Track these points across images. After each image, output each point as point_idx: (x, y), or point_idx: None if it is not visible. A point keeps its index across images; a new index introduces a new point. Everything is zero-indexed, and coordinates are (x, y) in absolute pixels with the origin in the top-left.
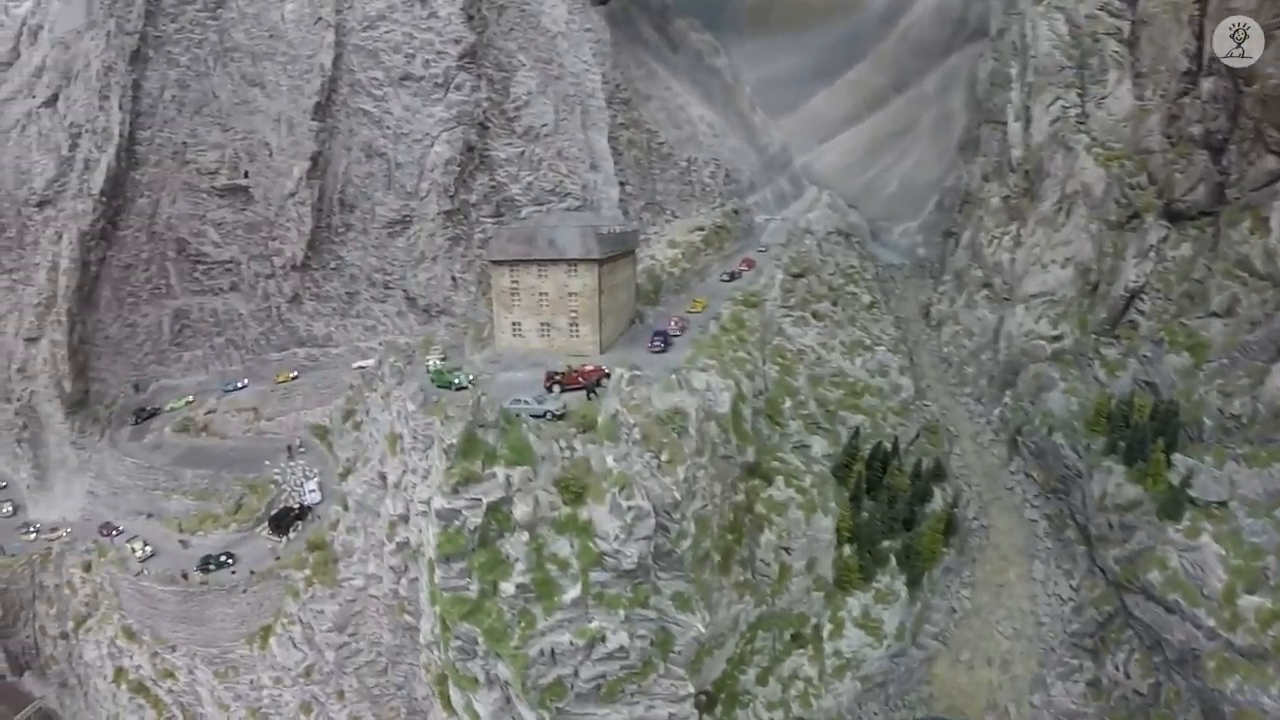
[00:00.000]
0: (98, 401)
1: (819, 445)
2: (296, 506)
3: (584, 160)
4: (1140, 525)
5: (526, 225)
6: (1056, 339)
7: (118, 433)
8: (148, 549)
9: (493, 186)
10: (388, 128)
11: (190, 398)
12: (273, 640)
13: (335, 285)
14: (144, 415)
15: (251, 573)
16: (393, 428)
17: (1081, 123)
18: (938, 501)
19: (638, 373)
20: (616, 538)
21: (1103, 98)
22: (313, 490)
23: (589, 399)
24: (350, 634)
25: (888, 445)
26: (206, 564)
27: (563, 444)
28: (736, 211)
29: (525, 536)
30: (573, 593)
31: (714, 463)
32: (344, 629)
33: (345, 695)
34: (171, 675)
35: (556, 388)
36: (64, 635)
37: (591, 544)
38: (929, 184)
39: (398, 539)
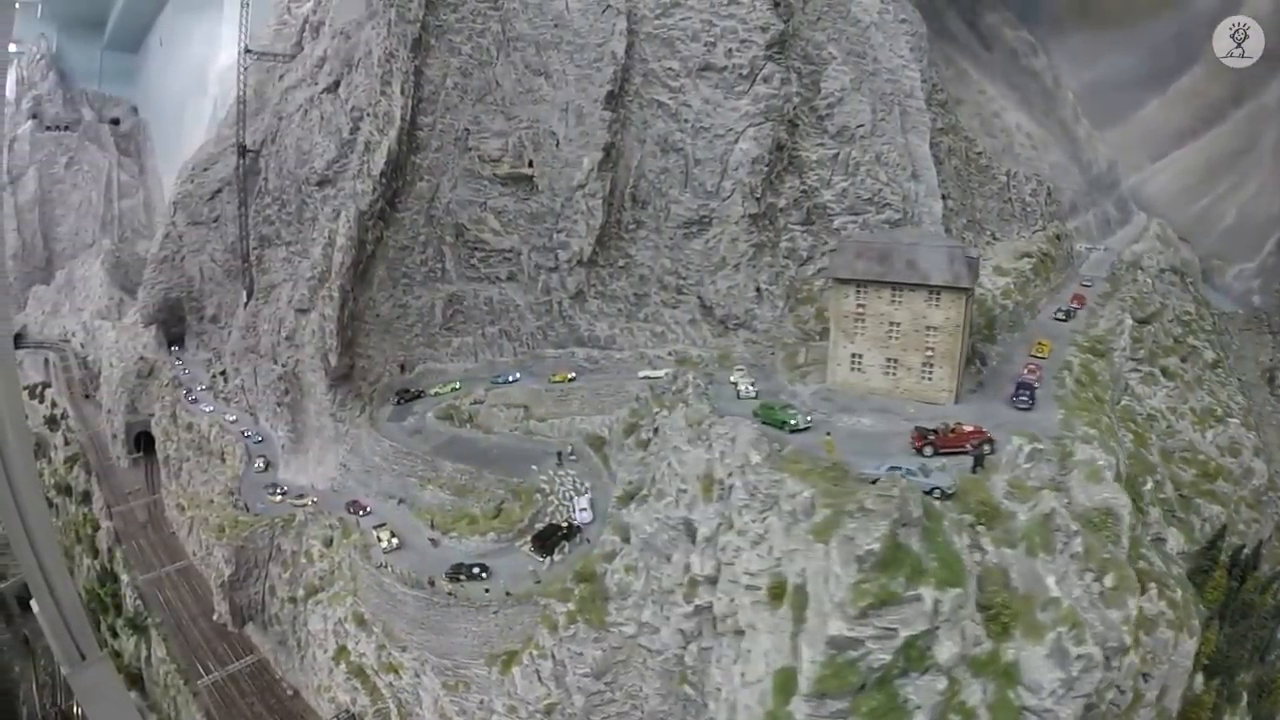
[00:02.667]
0: (361, 377)
1: (1174, 540)
2: (565, 525)
3: (905, 167)
4: None
5: (878, 240)
6: None
7: (378, 411)
8: (394, 541)
9: (803, 191)
10: (685, 121)
11: (457, 384)
12: (516, 670)
13: (622, 285)
14: (408, 396)
15: (508, 594)
16: (710, 469)
17: None
18: None
19: (1039, 446)
20: (1052, 692)
21: None
22: (584, 509)
23: (974, 472)
24: (608, 682)
25: (1248, 549)
26: (458, 573)
27: (965, 541)
28: (1059, 237)
29: (943, 683)
30: None
31: None
32: (602, 676)
33: None
34: (395, 671)
35: (929, 449)
36: (292, 599)
37: (1012, 694)
38: (1271, 218)
39: (697, 601)
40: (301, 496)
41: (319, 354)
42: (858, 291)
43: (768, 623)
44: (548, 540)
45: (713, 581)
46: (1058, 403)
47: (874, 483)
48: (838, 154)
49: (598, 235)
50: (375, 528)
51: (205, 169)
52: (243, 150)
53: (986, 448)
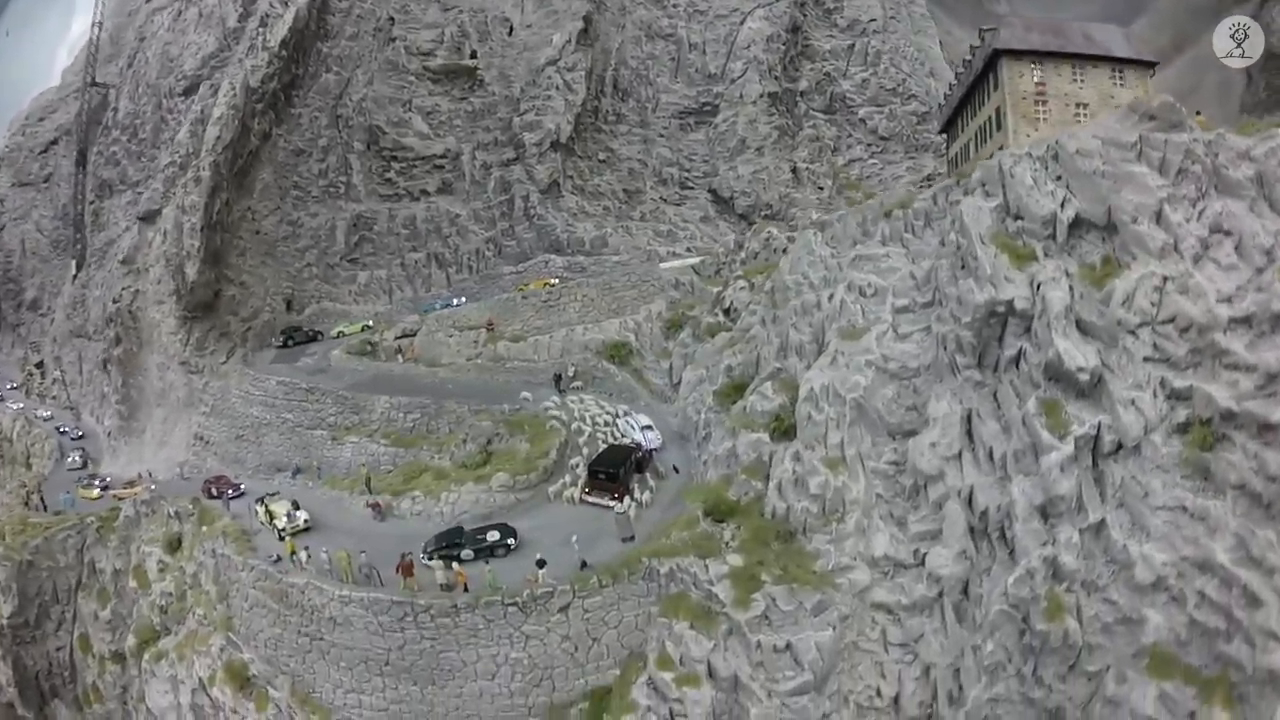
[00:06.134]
0: (230, 310)
1: None
2: (636, 447)
3: (923, 64)
4: None
5: (1042, 17)
6: None
7: (254, 355)
8: (300, 516)
9: (825, 74)
10: (674, 5)
11: (369, 323)
12: None
13: (608, 180)
14: (298, 338)
15: (584, 564)
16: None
17: None
18: None
19: None
20: None
21: None
22: (647, 426)
23: None
24: (831, 693)
25: None
26: (450, 545)
27: None
28: None
29: None
30: None
31: None
32: (826, 679)
33: None
34: None
35: None
36: (117, 657)
37: None
38: None
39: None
40: (131, 484)
41: (171, 269)
42: (1035, 66)
43: None
44: (617, 470)
45: None
46: None
47: None
48: (853, 45)
49: (576, 116)
50: (259, 501)
51: (41, 119)
52: (93, 84)
53: None
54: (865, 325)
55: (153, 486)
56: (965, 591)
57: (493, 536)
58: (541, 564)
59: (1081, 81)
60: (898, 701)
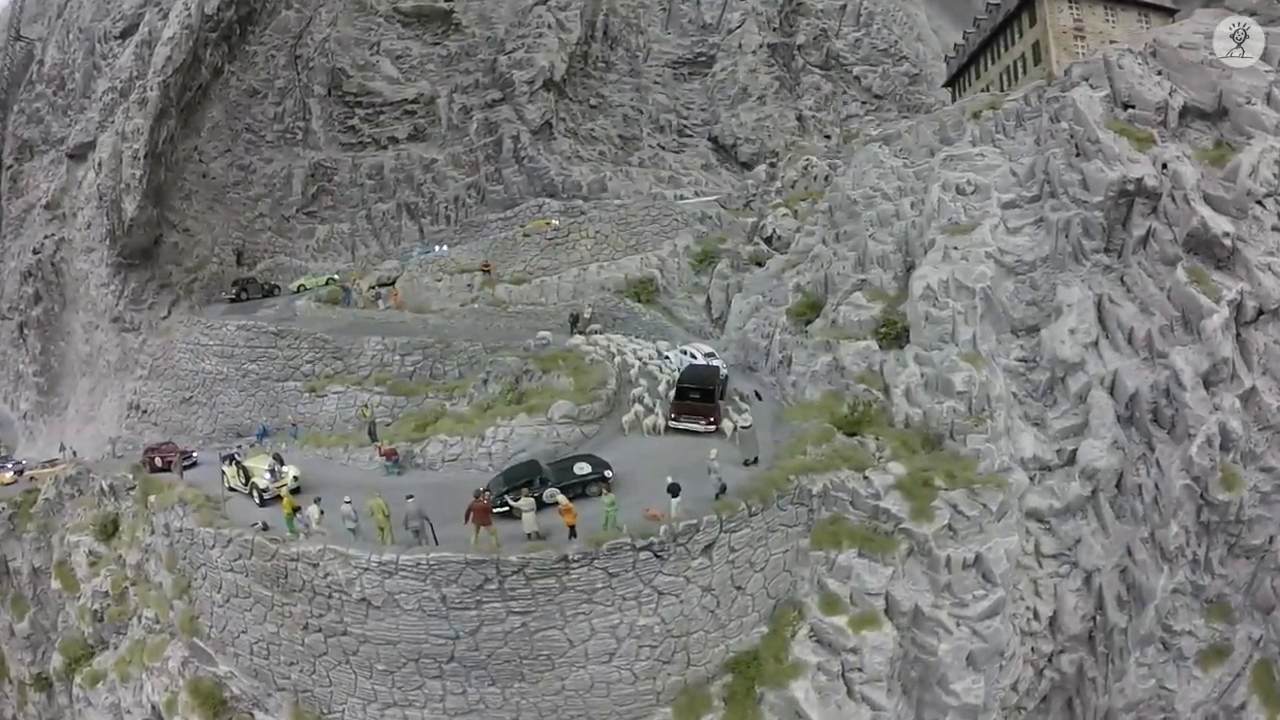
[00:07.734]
0: (173, 260)
1: None
2: (716, 367)
3: (911, 29)
4: None
5: None
6: None
7: (202, 310)
8: (289, 471)
9: (821, 31)
10: None
11: (335, 275)
12: (800, 686)
13: (602, 124)
14: (253, 291)
15: (723, 490)
16: None
17: None
18: None
19: None
20: None
21: None
22: (710, 353)
23: None
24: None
25: None
26: (527, 483)
27: None
28: None
29: None
30: None
31: None
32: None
33: None
34: None
35: None
36: (42, 682)
37: None
38: None
39: None
40: (52, 464)
41: (105, 208)
42: (1071, 6)
43: None
44: (711, 388)
45: None
46: None
47: None
48: (845, 5)
49: (569, 56)
50: (228, 459)
51: None
52: (17, 37)
53: None
54: (972, 221)
55: (76, 460)
56: (1118, 485)
57: (582, 469)
58: (675, 490)
59: (1113, 22)
60: (1054, 622)
